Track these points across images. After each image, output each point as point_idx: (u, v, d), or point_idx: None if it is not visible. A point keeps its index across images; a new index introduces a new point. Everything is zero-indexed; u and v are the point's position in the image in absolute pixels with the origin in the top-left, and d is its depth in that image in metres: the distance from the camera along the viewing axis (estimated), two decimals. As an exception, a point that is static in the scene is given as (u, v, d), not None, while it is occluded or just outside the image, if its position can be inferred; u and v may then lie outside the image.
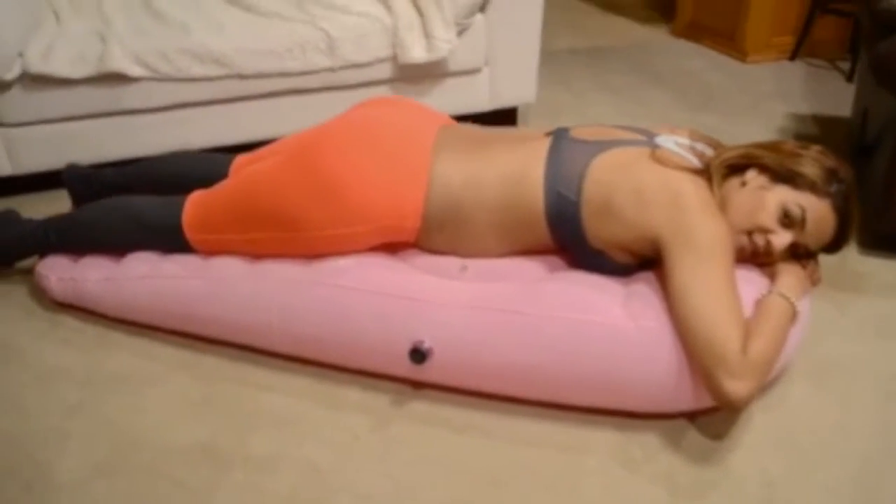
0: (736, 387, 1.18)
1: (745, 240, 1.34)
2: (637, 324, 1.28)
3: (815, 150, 1.37)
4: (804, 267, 1.40)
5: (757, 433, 1.34)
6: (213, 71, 2.19)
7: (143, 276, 1.60)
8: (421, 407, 1.44)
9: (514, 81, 2.50)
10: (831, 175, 1.32)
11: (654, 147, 1.38)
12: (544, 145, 1.43)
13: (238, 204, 1.52)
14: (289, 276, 1.48)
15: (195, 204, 1.59)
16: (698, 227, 1.25)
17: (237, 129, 2.31)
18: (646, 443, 1.33)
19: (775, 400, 1.42)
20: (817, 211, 1.31)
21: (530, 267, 1.46)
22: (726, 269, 1.24)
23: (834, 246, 1.38)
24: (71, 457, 1.35)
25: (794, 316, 1.29)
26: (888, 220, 1.75)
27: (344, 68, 2.27)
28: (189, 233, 1.58)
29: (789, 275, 1.33)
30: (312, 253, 1.49)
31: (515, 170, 1.41)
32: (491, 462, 1.31)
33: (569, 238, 1.40)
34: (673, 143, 1.40)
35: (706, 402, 1.32)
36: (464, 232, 1.45)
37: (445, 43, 2.25)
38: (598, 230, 1.37)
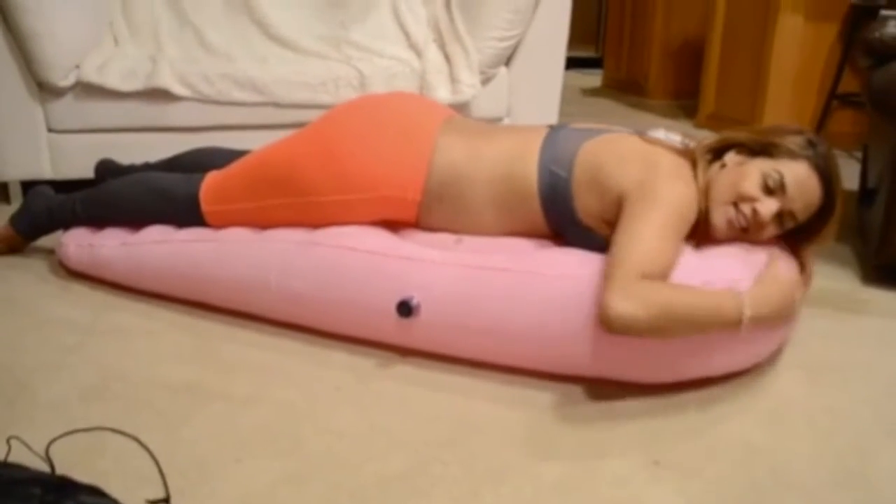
0: (614, 300, 1.17)
1: (731, 212, 1.35)
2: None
3: (788, 125, 1.42)
4: (803, 269, 1.41)
5: (743, 410, 1.31)
6: (251, 97, 2.35)
7: (156, 241, 1.67)
8: (405, 370, 1.44)
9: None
10: (807, 142, 1.35)
11: (644, 134, 1.45)
12: (543, 131, 1.51)
13: (251, 173, 1.61)
14: (290, 239, 1.54)
15: (212, 177, 1.68)
16: (662, 187, 1.30)
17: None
18: (628, 406, 1.30)
19: (766, 384, 1.39)
20: (796, 173, 1.32)
21: (523, 243, 1.49)
22: (671, 226, 1.27)
23: (825, 211, 1.36)
24: (58, 383, 1.37)
25: (733, 319, 1.22)
26: (889, 251, 1.76)
27: (373, 105, 2.41)
28: (204, 205, 1.65)
29: (769, 286, 1.28)
30: (317, 221, 1.55)
31: (514, 148, 1.48)
32: (468, 413, 1.29)
33: (560, 214, 1.44)
34: (663, 133, 1.46)
35: (692, 371, 1.31)
36: (462, 205, 1.50)
37: (470, 88, 2.39)
38: (586, 205, 1.41)
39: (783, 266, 1.33)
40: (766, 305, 1.26)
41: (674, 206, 1.29)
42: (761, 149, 1.37)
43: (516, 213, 1.49)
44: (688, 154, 1.41)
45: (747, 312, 1.22)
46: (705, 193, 1.37)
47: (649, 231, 1.26)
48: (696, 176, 1.38)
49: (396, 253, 1.44)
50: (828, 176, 1.34)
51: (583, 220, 1.43)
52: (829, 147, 1.38)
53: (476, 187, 1.49)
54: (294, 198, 1.55)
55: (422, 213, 1.54)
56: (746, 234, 1.37)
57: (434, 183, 1.50)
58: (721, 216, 1.36)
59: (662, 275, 1.24)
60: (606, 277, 1.23)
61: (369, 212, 1.54)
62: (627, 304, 1.17)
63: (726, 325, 1.23)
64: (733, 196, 1.35)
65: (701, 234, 1.39)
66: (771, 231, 1.36)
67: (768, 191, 1.33)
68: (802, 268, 1.44)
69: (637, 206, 1.30)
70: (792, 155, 1.34)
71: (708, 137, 1.46)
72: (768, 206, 1.33)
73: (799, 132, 1.38)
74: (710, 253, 1.35)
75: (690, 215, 1.33)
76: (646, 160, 1.36)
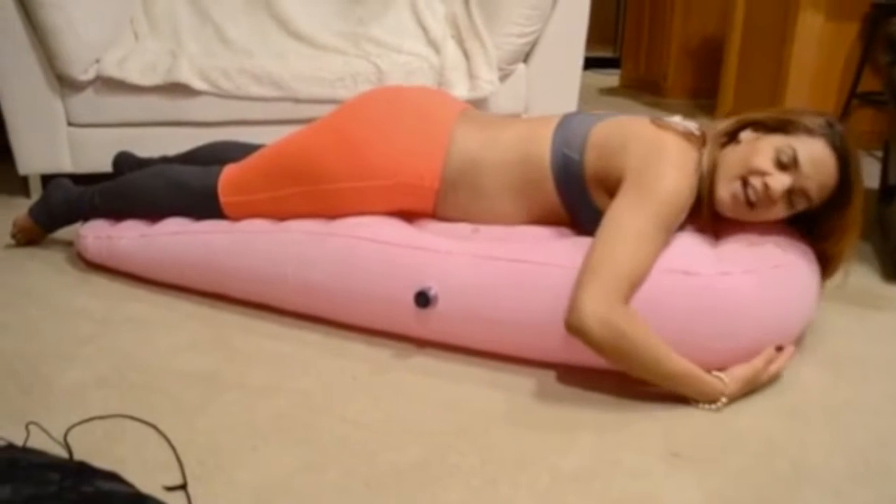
0: (590, 306, 1.19)
1: (738, 187, 1.31)
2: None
3: (812, 109, 1.37)
4: (827, 274, 1.40)
5: (763, 404, 1.29)
6: (269, 92, 2.35)
7: (174, 233, 1.68)
8: (422, 360, 1.43)
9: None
10: (826, 123, 1.30)
11: (658, 119, 1.44)
12: (557, 118, 1.51)
13: (268, 163, 1.61)
14: (307, 230, 1.54)
15: (230, 169, 1.68)
16: (660, 174, 1.28)
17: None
18: (647, 398, 1.29)
19: (786, 379, 1.37)
20: (812, 149, 1.28)
21: (539, 231, 1.48)
22: (660, 221, 1.26)
23: (841, 194, 1.31)
24: (74, 371, 1.38)
25: (708, 390, 1.25)
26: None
27: (390, 101, 2.41)
28: (222, 196, 1.66)
29: (745, 369, 1.28)
30: (334, 210, 1.55)
31: (528, 133, 1.49)
32: (485, 403, 1.29)
33: (574, 196, 1.44)
34: (678, 119, 1.44)
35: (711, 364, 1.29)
36: (478, 192, 1.50)
37: (488, 84, 2.38)
38: (597, 186, 1.41)
39: (771, 365, 1.31)
40: (747, 383, 1.29)
41: (667, 200, 1.27)
42: (778, 125, 1.32)
43: (532, 198, 1.48)
44: (697, 140, 1.39)
45: (725, 389, 1.26)
46: (710, 175, 1.34)
47: (637, 227, 1.25)
48: (700, 161, 1.36)
49: (413, 243, 1.44)
50: (845, 155, 1.28)
51: (596, 202, 1.42)
52: (847, 130, 1.32)
53: (492, 172, 1.48)
54: (311, 186, 1.55)
55: (438, 201, 1.54)
56: (753, 210, 1.32)
57: (451, 170, 1.50)
58: (727, 191, 1.32)
59: (643, 276, 1.25)
60: (588, 273, 1.22)
61: (386, 200, 1.53)
62: (599, 308, 1.19)
63: (695, 394, 1.26)
64: (744, 170, 1.30)
65: (704, 217, 1.37)
66: (780, 210, 1.32)
67: (781, 166, 1.28)
68: (827, 272, 1.41)
69: (631, 192, 1.29)
70: (809, 132, 1.29)
71: (725, 121, 1.43)
72: (780, 181, 1.28)
73: (819, 114, 1.33)
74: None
75: (683, 208, 1.31)
76: (650, 144, 1.34)
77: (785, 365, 1.34)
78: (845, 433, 1.22)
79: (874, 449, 1.18)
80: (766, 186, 1.29)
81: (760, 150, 1.30)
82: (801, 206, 1.32)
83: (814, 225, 1.39)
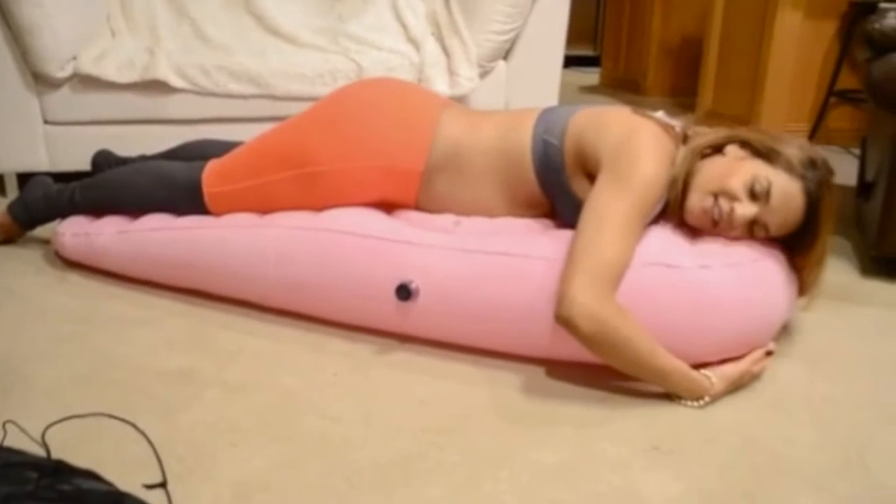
0: (579, 293, 1.19)
1: (709, 202, 1.33)
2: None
3: (799, 139, 1.39)
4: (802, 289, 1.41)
5: (743, 398, 1.30)
6: (248, 89, 2.34)
7: (154, 229, 1.66)
8: (404, 356, 1.43)
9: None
10: (809, 161, 1.31)
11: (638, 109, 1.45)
12: (540, 109, 1.52)
13: (253, 153, 1.61)
14: (288, 224, 1.53)
15: (214, 162, 1.67)
16: (636, 161, 1.29)
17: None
18: (627, 392, 1.29)
19: (766, 373, 1.38)
20: (785, 188, 1.29)
21: (521, 225, 1.49)
22: (639, 208, 1.26)
23: (800, 236, 1.33)
24: (53, 371, 1.36)
25: (695, 387, 1.26)
26: (887, 243, 1.75)
27: (371, 98, 2.41)
28: (206, 187, 1.63)
29: (732, 369, 1.30)
30: (318, 195, 1.54)
31: (511, 121, 1.51)
32: (466, 399, 1.29)
33: (553, 183, 1.45)
34: (661, 114, 1.45)
35: (692, 358, 1.30)
36: (462, 178, 1.51)
37: (468, 81, 2.39)
38: (575, 173, 1.42)
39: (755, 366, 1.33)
40: (732, 381, 1.30)
41: (644, 187, 1.27)
42: (765, 152, 1.33)
43: (513, 184, 1.49)
44: (675, 136, 1.39)
45: (710, 387, 1.27)
46: (684, 180, 1.35)
47: (619, 216, 1.25)
48: (674, 158, 1.36)
49: (395, 237, 1.44)
50: (815, 201, 1.30)
51: (573, 190, 1.43)
52: (830, 171, 1.33)
53: (474, 158, 1.50)
54: (296, 170, 1.54)
55: (422, 187, 1.54)
56: (716, 227, 1.35)
57: (436, 154, 1.51)
58: (697, 203, 1.34)
59: (627, 264, 1.26)
60: (576, 264, 1.22)
61: (370, 185, 1.53)
62: (587, 295, 1.19)
63: (682, 391, 1.27)
64: (717, 188, 1.32)
65: (673, 218, 1.38)
66: (739, 233, 1.34)
67: (752, 195, 1.30)
68: (801, 287, 1.42)
69: (609, 178, 1.29)
70: (790, 169, 1.30)
71: (713, 131, 1.42)
72: (746, 210, 1.31)
73: (806, 148, 1.34)
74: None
75: (659, 196, 1.31)
76: (627, 127, 1.35)
77: (766, 364, 1.35)
78: (825, 427, 1.23)
79: (854, 443, 1.19)
80: (731, 211, 1.31)
81: (738, 173, 1.32)
82: (759, 234, 1.34)
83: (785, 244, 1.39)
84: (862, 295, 1.76)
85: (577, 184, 1.42)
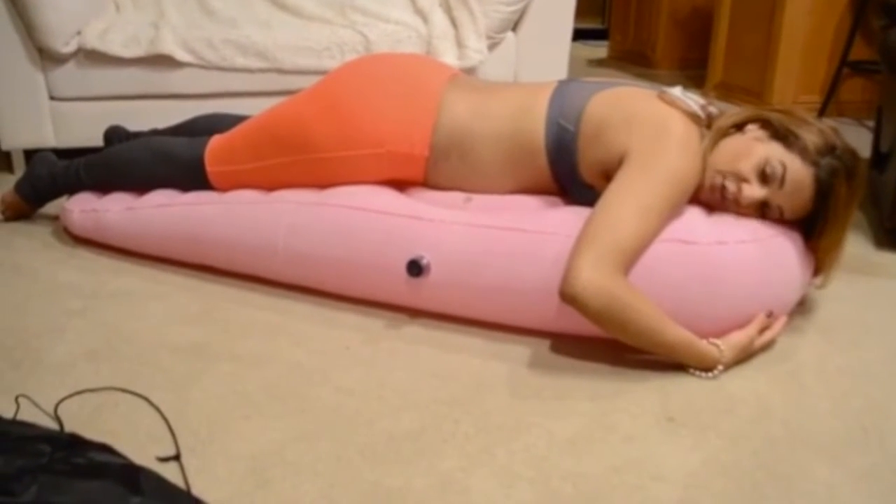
0: (586, 272, 1.17)
1: (718, 180, 1.32)
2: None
3: (827, 124, 1.35)
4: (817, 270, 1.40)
5: (758, 370, 1.30)
6: (254, 63, 2.32)
7: (161, 205, 1.65)
8: (415, 330, 1.42)
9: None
10: (828, 148, 1.28)
11: (660, 91, 1.42)
12: (553, 85, 1.48)
13: (256, 133, 1.59)
14: (297, 199, 1.52)
15: (217, 139, 1.66)
16: (665, 155, 1.27)
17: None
18: (641, 364, 1.28)
19: (781, 345, 1.37)
20: (798, 175, 1.27)
21: (532, 201, 1.47)
22: (664, 197, 1.24)
23: (810, 222, 1.32)
24: (64, 344, 1.36)
25: (705, 358, 1.25)
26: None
27: (378, 71, 2.38)
28: (209, 166, 1.63)
29: (739, 336, 1.28)
30: (323, 180, 1.53)
31: (522, 103, 1.46)
32: (479, 371, 1.28)
33: (564, 169, 1.42)
34: (679, 90, 1.42)
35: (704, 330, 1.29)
36: (469, 162, 1.48)
37: (477, 53, 2.36)
38: (589, 160, 1.39)
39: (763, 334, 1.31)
40: (741, 351, 1.28)
41: (675, 181, 1.26)
42: (783, 134, 1.30)
43: (524, 169, 1.47)
44: (702, 121, 1.37)
45: (721, 357, 1.25)
46: (705, 158, 1.33)
47: (641, 201, 1.23)
48: (701, 142, 1.34)
49: (405, 212, 1.42)
50: (826, 193, 1.27)
51: (584, 177, 1.41)
52: (852, 160, 1.29)
53: (484, 143, 1.46)
54: (299, 155, 1.53)
55: (429, 169, 1.52)
56: (722, 204, 1.34)
57: (440, 138, 1.48)
58: (708, 179, 1.33)
59: (642, 250, 1.24)
60: (586, 241, 1.21)
61: (376, 169, 1.51)
62: (595, 274, 1.18)
63: (691, 359, 1.25)
64: (728, 168, 1.31)
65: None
66: (750, 213, 1.32)
67: (763, 178, 1.29)
68: (816, 267, 1.41)
69: (635, 171, 1.27)
70: (805, 155, 1.28)
71: (737, 112, 1.40)
72: (753, 192, 1.29)
73: (828, 134, 1.30)
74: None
75: (689, 188, 1.30)
76: (657, 125, 1.31)
77: (778, 333, 1.34)
78: (840, 398, 1.22)
79: (869, 413, 1.18)
80: (739, 191, 1.30)
81: (752, 155, 1.30)
82: (772, 216, 1.32)
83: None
84: (876, 267, 1.74)
85: (588, 172, 1.39)
